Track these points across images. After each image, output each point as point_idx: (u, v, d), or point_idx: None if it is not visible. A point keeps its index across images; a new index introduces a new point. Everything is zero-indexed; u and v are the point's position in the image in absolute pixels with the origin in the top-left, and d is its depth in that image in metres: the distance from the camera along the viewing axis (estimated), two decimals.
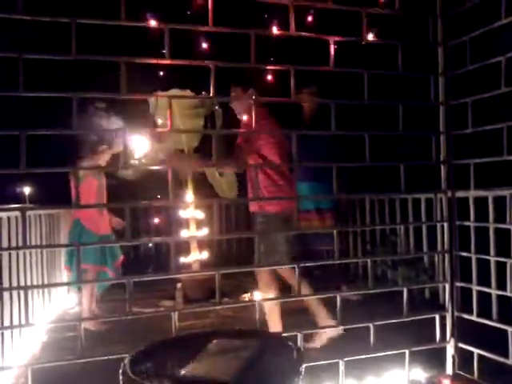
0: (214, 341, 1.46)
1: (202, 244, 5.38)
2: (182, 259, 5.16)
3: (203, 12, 2.07)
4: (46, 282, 4.26)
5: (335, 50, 2.18)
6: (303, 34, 2.18)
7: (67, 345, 3.38)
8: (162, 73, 5.45)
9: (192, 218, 5.24)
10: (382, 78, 2.37)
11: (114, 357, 1.82)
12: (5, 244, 2.97)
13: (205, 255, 5.32)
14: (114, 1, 1.91)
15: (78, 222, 4.16)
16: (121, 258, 4.39)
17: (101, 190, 4.20)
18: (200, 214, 5.33)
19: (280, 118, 3.12)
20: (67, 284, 4.19)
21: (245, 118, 3.09)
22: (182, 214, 5.32)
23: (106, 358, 1.93)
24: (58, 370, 2.14)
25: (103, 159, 4.09)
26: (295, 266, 2.26)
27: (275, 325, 3.02)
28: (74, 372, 2.62)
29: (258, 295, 4.15)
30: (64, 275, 4.91)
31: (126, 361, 1.33)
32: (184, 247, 5.28)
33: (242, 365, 1.24)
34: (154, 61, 2.04)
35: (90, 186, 4.02)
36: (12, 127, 1.80)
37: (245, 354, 1.31)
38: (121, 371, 1.29)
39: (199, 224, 5.30)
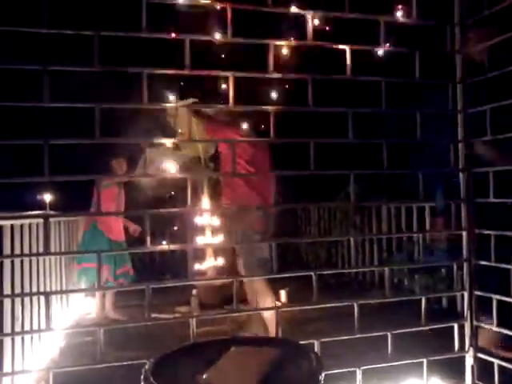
0: (233, 348, 1.47)
1: (217, 251, 5.41)
2: (198, 266, 5.19)
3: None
4: (64, 287, 4.32)
5: (350, 59, 2.19)
6: (320, 43, 2.19)
7: (85, 350, 3.43)
8: (181, 83, 5.54)
9: (208, 225, 5.28)
10: (397, 87, 2.37)
11: (135, 362, 1.84)
12: (26, 250, 3.03)
13: (220, 262, 5.35)
14: (135, 13, 1.96)
15: (95, 225, 4.37)
16: (127, 267, 4.49)
17: (120, 197, 4.36)
18: (216, 221, 5.36)
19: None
20: (87, 290, 4.25)
21: None
22: (199, 220, 5.36)
23: (126, 363, 1.95)
24: (77, 374, 2.17)
25: (122, 168, 4.26)
26: (312, 273, 2.26)
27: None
28: (93, 377, 2.65)
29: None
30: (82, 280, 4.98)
31: (147, 367, 1.35)
32: (200, 254, 5.32)
33: (263, 373, 1.25)
34: (176, 72, 2.07)
35: (110, 193, 4.19)
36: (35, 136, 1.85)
37: (265, 362, 1.32)
38: (142, 377, 1.31)
39: (215, 231, 5.34)
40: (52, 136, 1.85)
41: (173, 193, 5.98)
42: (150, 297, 2.04)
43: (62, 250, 4.38)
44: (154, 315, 2.89)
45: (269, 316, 3.13)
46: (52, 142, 1.84)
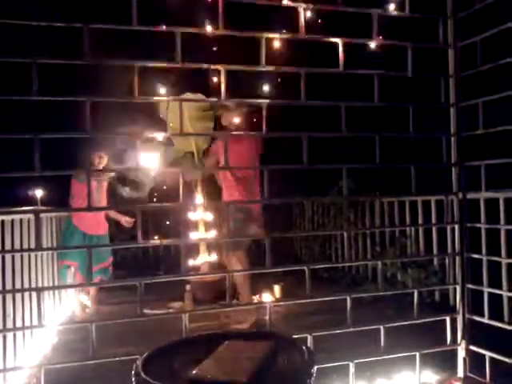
0: (226, 342, 1.47)
1: (210, 246, 5.41)
2: (191, 261, 5.18)
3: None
4: (56, 283, 4.29)
5: (343, 52, 2.18)
6: (313, 36, 2.18)
7: (77, 346, 3.40)
8: (172, 76, 5.52)
9: (201, 220, 5.27)
10: (390, 81, 2.36)
11: (126, 358, 1.84)
12: (17, 246, 3.00)
13: (213, 257, 5.34)
14: (126, 6, 1.93)
15: (70, 222, 4.32)
16: (109, 260, 4.47)
17: (98, 192, 4.31)
18: (209, 216, 5.35)
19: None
20: (79, 286, 4.23)
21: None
22: (192, 216, 5.34)
23: (117, 359, 1.95)
24: (69, 370, 2.16)
25: (102, 162, 4.25)
26: (305, 268, 2.26)
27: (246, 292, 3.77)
28: (86, 373, 2.64)
29: (267, 297, 4.17)
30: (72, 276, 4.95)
31: (139, 361, 1.34)
32: (193, 249, 5.31)
33: (255, 366, 1.24)
34: (167, 65, 2.06)
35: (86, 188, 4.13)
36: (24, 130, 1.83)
37: (257, 356, 1.32)
38: (133, 372, 1.30)
39: (208, 226, 5.33)
40: (42, 130, 1.83)
41: (164, 187, 5.95)
42: (142, 292, 2.03)
43: (54, 245, 4.35)
44: (146, 311, 2.88)
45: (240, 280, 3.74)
46: (42, 136, 1.82)
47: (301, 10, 2.12)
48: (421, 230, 4.77)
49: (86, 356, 1.98)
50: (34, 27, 1.82)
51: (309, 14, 2.30)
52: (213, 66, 2.09)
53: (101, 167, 4.28)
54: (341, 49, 2.19)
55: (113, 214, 4.68)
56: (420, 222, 4.71)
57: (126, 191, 4.80)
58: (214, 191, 5.36)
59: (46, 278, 3.98)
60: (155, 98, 2.37)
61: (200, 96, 4.29)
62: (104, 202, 4.45)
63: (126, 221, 4.61)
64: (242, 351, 1.38)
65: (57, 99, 1.85)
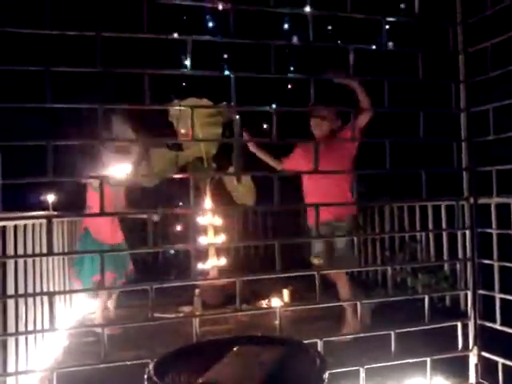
0: (236, 347, 1.48)
1: (219, 250, 5.42)
2: (200, 265, 5.20)
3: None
4: (67, 287, 4.33)
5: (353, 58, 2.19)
6: (323, 43, 2.19)
7: (88, 349, 3.43)
8: (182, 83, 5.57)
9: (210, 225, 5.29)
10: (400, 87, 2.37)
11: (138, 362, 1.85)
12: (29, 251, 3.04)
13: (222, 261, 5.35)
14: (137, 14, 1.96)
15: (88, 231, 4.16)
16: (130, 267, 4.41)
17: (115, 198, 4.16)
18: (218, 221, 5.37)
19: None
20: (91, 290, 4.25)
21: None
22: (201, 220, 5.36)
23: (129, 363, 1.96)
24: (80, 374, 2.18)
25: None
26: (315, 273, 2.26)
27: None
28: (96, 376, 2.65)
29: (276, 302, 4.16)
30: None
31: (151, 366, 1.35)
32: (202, 254, 5.33)
33: (266, 372, 1.25)
34: (178, 72, 2.08)
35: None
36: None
37: (268, 361, 1.32)
38: (146, 376, 1.31)
39: (217, 230, 5.35)
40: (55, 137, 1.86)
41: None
42: (152, 297, 2.05)
43: (65, 250, 4.39)
44: (156, 315, 2.90)
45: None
46: (55, 143, 1.85)
47: (310, 18, 2.13)
48: (431, 234, 4.74)
49: (98, 359, 1.99)
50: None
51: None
52: (222, 73, 2.11)
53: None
54: (351, 55, 2.19)
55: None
56: (430, 226, 4.68)
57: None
58: (223, 196, 5.39)
59: (58, 282, 4.02)
60: (164, 106, 2.38)
61: (206, 102, 4.31)
62: (121, 208, 4.30)
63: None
64: (253, 357, 1.38)
65: (70, 106, 1.88)
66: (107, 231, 4.19)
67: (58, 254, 3.91)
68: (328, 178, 3.35)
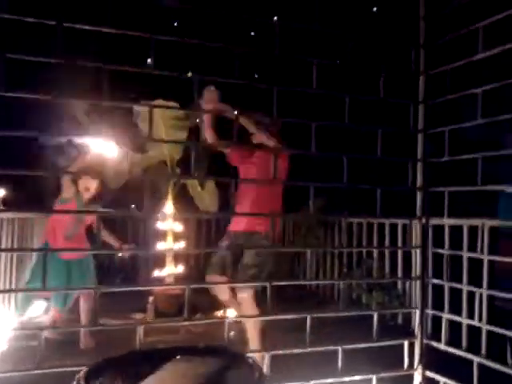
0: (177, 357, 1.43)
1: (178, 257, 5.30)
2: (156, 272, 5.08)
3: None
4: (14, 287, 4.14)
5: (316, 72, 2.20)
6: (287, 55, 2.19)
7: (26, 354, 3.26)
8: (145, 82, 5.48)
9: (170, 230, 5.17)
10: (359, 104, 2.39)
11: (71, 369, 1.76)
12: None
13: (180, 269, 5.24)
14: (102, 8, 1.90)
15: (47, 245, 3.75)
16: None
17: (78, 226, 3.79)
18: (178, 227, 5.26)
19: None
20: (40, 290, 4.04)
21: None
22: (160, 225, 5.24)
23: (62, 369, 1.87)
24: (13, 380, 2.07)
25: (91, 189, 3.84)
26: (267, 284, 2.24)
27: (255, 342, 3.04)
28: (28, 382, 2.53)
29: (231, 312, 4.11)
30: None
31: (81, 374, 1.29)
32: (160, 260, 5.21)
33: (200, 382, 1.21)
34: (138, 70, 2.03)
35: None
36: None
37: (205, 372, 1.28)
38: (75, 383, 1.25)
39: (177, 237, 5.23)
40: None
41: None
42: (97, 301, 1.97)
43: (15, 247, 4.20)
44: (103, 321, 2.80)
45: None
46: (3, 133, 1.76)
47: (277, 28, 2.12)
48: (387, 252, 4.81)
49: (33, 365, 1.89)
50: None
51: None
52: (186, 76, 2.08)
53: (88, 195, 3.73)
54: (314, 69, 2.20)
55: (107, 237, 4.00)
56: (387, 244, 4.76)
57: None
58: (186, 201, 5.30)
59: (2, 281, 3.84)
60: (125, 103, 2.33)
61: (172, 104, 4.22)
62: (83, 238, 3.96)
63: (118, 247, 4.02)
64: (191, 367, 1.34)
65: (26, 96, 1.79)
66: (66, 246, 3.80)
67: (4, 250, 3.72)
68: (257, 188, 3.20)
